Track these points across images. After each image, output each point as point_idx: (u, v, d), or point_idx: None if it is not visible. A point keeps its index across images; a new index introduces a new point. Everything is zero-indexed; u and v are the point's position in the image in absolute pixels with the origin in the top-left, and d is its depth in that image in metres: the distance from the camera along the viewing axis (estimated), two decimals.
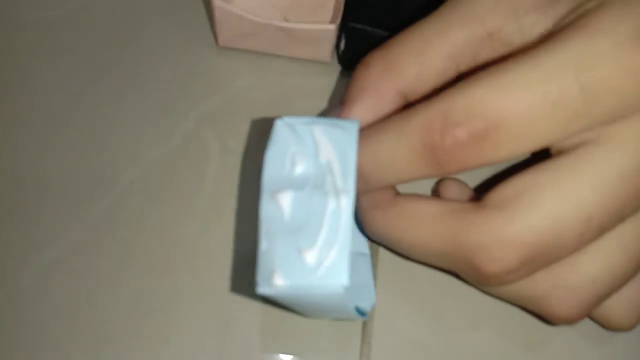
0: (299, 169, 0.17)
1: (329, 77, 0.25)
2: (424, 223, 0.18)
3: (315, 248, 0.16)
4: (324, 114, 0.24)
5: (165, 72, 0.25)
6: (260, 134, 0.24)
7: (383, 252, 0.22)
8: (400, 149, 0.17)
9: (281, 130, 0.17)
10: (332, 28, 0.23)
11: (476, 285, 0.19)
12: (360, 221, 0.20)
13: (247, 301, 0.22)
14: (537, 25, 0.17)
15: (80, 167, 0.23)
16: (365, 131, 0.18)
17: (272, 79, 0.25)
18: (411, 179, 0.18)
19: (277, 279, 0.16)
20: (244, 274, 0.22)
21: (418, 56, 0.18)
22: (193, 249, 0.22)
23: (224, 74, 0.25)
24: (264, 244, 0.17)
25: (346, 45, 0.24)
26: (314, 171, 0.17)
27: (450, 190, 0.21)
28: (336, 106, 0.22)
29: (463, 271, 0.18)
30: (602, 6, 0.16)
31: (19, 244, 0.22)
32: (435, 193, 0.22)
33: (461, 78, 0.17)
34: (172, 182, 0.23)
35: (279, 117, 0.18)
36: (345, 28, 0.23)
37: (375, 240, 0.20)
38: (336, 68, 0.25)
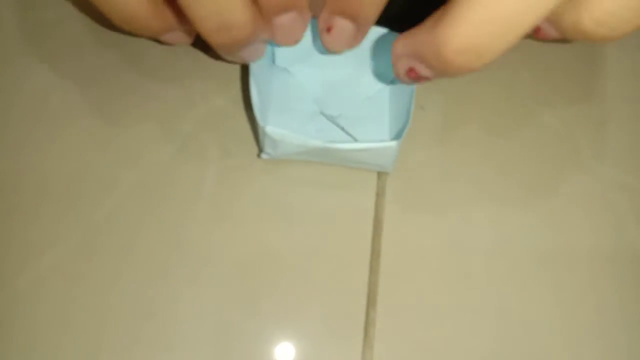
0: None
1: None
2: None
3: None
4: None
5: (165, 74, 0.25)
6: None
7: (385, 257, 0.22)
8: None
9: None
10: None
11: None
12: None
13: (247, 304, 0.22)
14: None
15: (80, 171, 0.23)
16: None
17: None
18: None
19: None
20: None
21: None
22: (193, 252, 0.22)
23: (223, 76, 0.25)
24: None
25: None
26: None
27: None
28: None
29: None
30: None
31: (17, 247, 0.22)
32: None
33: None
34: (171, 185, 0.23)
35: None
36: None
37: None
38: None
